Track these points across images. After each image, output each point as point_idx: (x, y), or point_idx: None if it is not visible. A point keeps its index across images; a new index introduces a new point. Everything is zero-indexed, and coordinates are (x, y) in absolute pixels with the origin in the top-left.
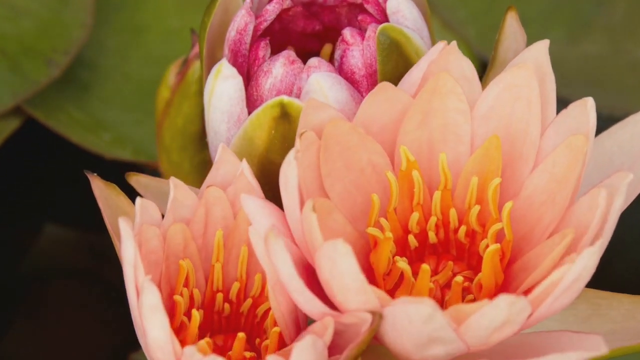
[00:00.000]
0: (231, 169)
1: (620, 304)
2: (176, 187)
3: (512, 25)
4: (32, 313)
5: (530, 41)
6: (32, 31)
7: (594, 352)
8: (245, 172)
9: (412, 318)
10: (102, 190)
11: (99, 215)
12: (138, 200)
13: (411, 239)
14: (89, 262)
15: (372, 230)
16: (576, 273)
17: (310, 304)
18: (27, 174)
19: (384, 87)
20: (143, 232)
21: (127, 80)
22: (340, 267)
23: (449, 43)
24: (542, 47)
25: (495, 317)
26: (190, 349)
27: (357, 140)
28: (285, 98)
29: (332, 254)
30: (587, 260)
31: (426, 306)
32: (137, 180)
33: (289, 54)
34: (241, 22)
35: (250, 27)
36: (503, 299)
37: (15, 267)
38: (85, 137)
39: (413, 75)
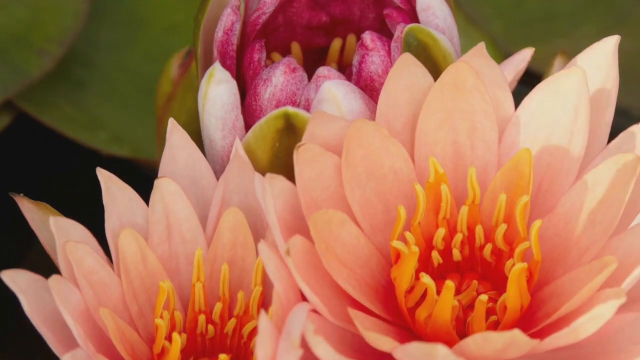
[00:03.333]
0: (189, 158)
1: None
2: (109, 182)
3: (559, 70)
4: (28, 322)
5: (560, 37)
6: (24, 20)
7: None
8: (240, 151)
9: None
10: (34, 212)
11: (96, 217)
12: (52, 220)
13: (435, 255)
14: None
15: (396, 244)
16: None
17: None
18: (19, 172)
19: (404, 64)
20: (70, 252)
21: (125, 76)
22: (318, 353)
23: (474, 39)
24: (609, 45)
25: None
26: None
27: (379, 143)
28: (290, 109)
29: (309, 341)
30: None
31: None
32: None
33: (289, 60)
34: (227, 22)
35: (237, 27)
36: None
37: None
38: (80, 135)
39: None
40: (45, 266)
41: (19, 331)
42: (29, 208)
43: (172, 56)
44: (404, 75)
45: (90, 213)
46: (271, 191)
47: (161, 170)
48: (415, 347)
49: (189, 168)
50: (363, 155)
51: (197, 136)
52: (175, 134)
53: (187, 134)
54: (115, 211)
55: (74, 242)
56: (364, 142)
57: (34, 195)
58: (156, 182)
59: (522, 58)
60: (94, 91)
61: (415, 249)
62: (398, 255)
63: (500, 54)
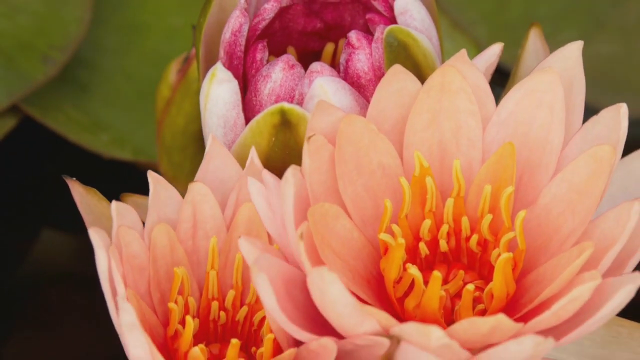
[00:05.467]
0: (221, 163)
1: None
2: (156, 183)
3: (535, 42)
4: (31, 318)
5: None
6: (29, 27)
7: None
8: (255, 160)
9: None
10: (83, 196)
11: None
12: (114, 204)
13: (422, 247)
14: (87, 266)
15: (383, 236)
16: (610, 311)
17: (296, 334)
18: (23, 174)
19: (395, 72)
20: (121, 235)
21: (126, 80)
22: (329, 296)
23: (459, 44)
24: (573, 49)
25: (518, 353)
26: None
27: (368, 140)
28: (285, 105)
29: (320, 283)
30: (623, 299)
31: None
32: (133, 201)
33: (288, 58)
34: (235, 23)
35: (245, 28)
36: (530, 339)
37: (13, 273)
38: (83, 137)
39: None
40: (48, 260)
41: (18, 327)
42: (78, 192)
43: (171, 61)
44: (394, 82)
45: None
46: (293, 182)
47: (197, 174)
48: (412, 327)
49: (219, 171)
50: (353, 152)
51: (195, 138)
52: (213, 146)
53: (224, 146)
54: (155, 208)
55: (126, 227)
56: (354, 138)
57: (37, 196)
58: (190, 186)
59: (492, 53)
60: (96, 94)
61: (402, 241)
62: (386, 248)
63: None
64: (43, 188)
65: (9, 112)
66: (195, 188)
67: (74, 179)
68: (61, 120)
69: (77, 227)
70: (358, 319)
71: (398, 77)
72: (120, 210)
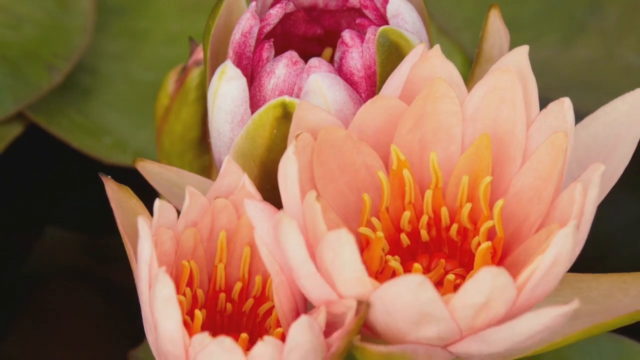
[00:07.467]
0: (235, 179)
1: (598, 284)
2: (192, 196)
3: (495, 22)
4: (34, 314)
5: (525, 44)
6: (34, 37)
7: (565, 307)
8: (247, 184)
9: (402, 291)
10: (115, 192)
11: (99, 218)
12: (157, 202)
13: (403, 238)
14: (90, 264)
15: (363, 230)
16: (552, 257)
17: (319, 288)
18: (29, 179)
19: (379, 97)
20: (160, 234)
21: (128, 84)
22: (343, 257)
23: (445, 48)
24: (522, 51)
25: (479, 292)
26: (199, 336)
27: (351, 144)
28: (287, 98)
29: (335, 244)
30: (562, 244)
31: (416, 276)
32: (143, 166)
33: (291, 54)
34: (246, 25)
35: (255, 30)
36: (485, 272)
37: (17, 269)
38: (86, 141)
39: (395, 80)
40: (51, 258)
41: (21, 324)
42: (112, 188)
43: (171, 65)
44: (377, 101)
45: (93, 217)
46: (295, 159)
47: (212, 188)
48: (395, 279)
49: (233, 185)
50: (335, 154)
51: (193, 145)
52: (228, 166)
53: (236, 164)
54: (186, 214)
55: (165, 228)
56: (336, 142)
57: (41, 197)
58: (213, 202)
59: (416, 53)
60: (99, 99)
61: (381, 234)
62: (367, 241)
63: (470, 62)
64: (47, 190)
65: (15, 119)
66: (217, 203)
67: (109, 176)
68: (65, 124)
69: (80, 229)
70: (363, 289)
71: (381, 99)
72: (162, 210)
